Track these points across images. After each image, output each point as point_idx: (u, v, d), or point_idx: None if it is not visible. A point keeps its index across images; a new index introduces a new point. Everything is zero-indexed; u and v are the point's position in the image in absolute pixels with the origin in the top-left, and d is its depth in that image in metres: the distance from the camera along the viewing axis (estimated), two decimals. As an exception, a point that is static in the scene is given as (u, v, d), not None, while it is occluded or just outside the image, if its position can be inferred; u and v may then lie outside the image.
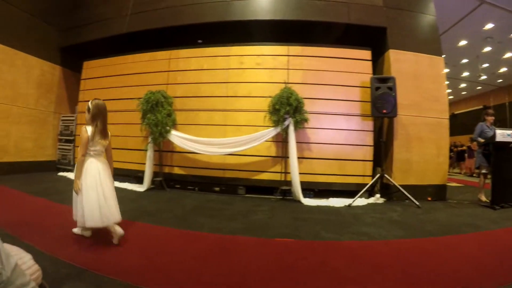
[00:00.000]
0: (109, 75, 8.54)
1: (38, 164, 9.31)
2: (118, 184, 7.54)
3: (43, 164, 9.46)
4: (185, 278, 2.52)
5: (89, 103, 3.48)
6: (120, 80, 8.26)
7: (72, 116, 9.59)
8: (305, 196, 6.22)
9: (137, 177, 7.60)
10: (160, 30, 8.01)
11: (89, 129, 3.41)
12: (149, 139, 6.91)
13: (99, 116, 3.46)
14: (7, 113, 8.41)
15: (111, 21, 8.76)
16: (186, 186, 7.23)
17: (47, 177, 8.39)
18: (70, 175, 8.80)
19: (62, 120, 9.84)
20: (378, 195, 6.25)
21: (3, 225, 3.75)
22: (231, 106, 6.96)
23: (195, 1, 7.72)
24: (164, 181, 7.12)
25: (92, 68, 9.03)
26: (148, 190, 6.98)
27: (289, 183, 6.33)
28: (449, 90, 18.43)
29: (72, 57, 10.04)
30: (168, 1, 8.01)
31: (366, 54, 6.90)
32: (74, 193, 3.40)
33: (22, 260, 1.61)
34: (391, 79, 6.24)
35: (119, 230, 3.29)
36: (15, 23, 8.40)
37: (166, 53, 7.71)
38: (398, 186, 5.92)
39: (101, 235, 3.56)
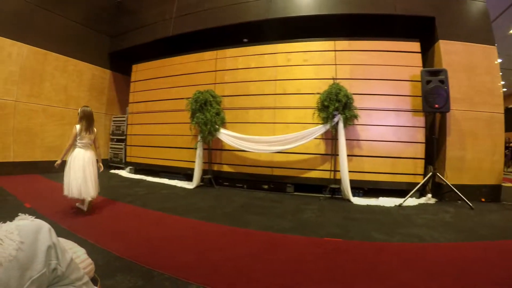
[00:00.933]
0: (157, 77, 8.87)
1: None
2: (167, 181, 7.92)
3: None
4: (235, 275, 2.53)
5: (79, 109, 4.74)
6: (169, 81, 8.54)
7: (123, 117, 10.11)
8: (354, 195, 6.06)
9: (187, 175, 7.83)
10: (205, 31, 8.15)
11: (78, 127, 4.59)
12: (199, 138, 7.08)
13: (83, 118, 4.64)
14: (62, 116, 9.06)
15: (156, 25, 9.09)
16: (234, 184, 7.33)
17: (100, 175, 8.73)
18: (122, 173, 9.34)
19: (114, 120, 10.46)
20: (429, 195, 5.94)
21: (59, 219, 4.01)
22: (279, 103, 6.95)
23: (237, 1, 7.78)
24: (213, 178, 7.26)
25: (141, 70, 9.43)
26: (197, 187, 7.14)
27: (338, 181, 6.19)
28: (502, 82, 17.36)
29: (121, 61, 10.65)
30: (210, 2, 8.12)
31: (415, 46, 6.55)
32: (64, 175, 4.45)
33: (76, 254, 1.68)
34: (443, 71, 5.88)
35: (88, 207, 4.51)
36: (66, 33, 9.05)
37: (212, 53, 7.85)
38: (451, 186, 5.59)
39: (153, 230, 3.79)
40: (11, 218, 1.30)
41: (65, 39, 8.99)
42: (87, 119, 4.66)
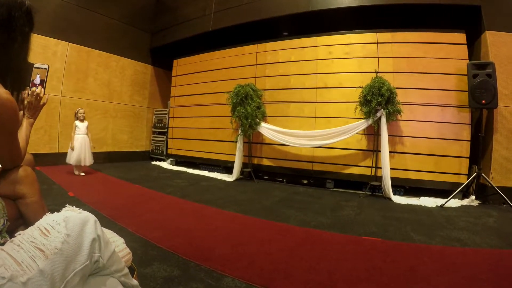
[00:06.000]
0: (198, 71, 9.09)
1: (133, 154, 10.42)
2: (207, 173, 8.13)
3: (138, 154, 10.50)
4: (270, 269, 2.51)
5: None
6: (209, 75, 8.73)
7: (165, 110, 10.47)
8: (395, 193, 5.90)
9: (227, 168, 7.99)
10: (244, 25, 8.18)
11: (77, 122, 6.87)
12: (239, 131, 7.15)
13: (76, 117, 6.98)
14: (105, 109, 9.50)
15: (196, 21, 9.27)
16: (274, 178, 7.37)
17: (142, 166, 9.24)
18: (164, 164, 9.68)
19: (156, 114, 10.86)
20: (473, 197, 5.60)
21: (101, 208, 4.14)
22: (320, 97, 6.87)
23: (277, -6, 7.71)
24: (253, 172, 7.32)
25: (182, 65, 9.72)
26: (237, 180, 7.24)
27: (379, 178, 6.03)
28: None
29: (162, 56, 10.98)
30: (249, -4, 8.12)
31: (460, 37, 6.13)
32: (69, 149, 6.75)
33: (115, 244, 1.69)
34: (490, 64, 5.44)
35: (82, 173, 6.93)
36: (108, 31, 9.45)
37: (252, 47, 7.90)
38: (496, 188, 5.20)
39: (192, 221, 3.95)
40: (57, 205, 1.32)
41: (107, 37, 9.39)
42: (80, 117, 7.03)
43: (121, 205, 4.47)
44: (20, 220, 1.90)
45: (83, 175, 6.80)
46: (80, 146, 6.70)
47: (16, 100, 1.59)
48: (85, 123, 6.98)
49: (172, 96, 9.89)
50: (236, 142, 7.24)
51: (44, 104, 2.11)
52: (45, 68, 2.09)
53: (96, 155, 8.95)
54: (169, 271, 2.38)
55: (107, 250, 1.28)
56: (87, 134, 6.95)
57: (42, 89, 2.03)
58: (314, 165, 6.86)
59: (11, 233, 1.39)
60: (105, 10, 9.22)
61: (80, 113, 6.90)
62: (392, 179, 5.86)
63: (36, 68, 2.06)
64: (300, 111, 7.05)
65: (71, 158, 6.63)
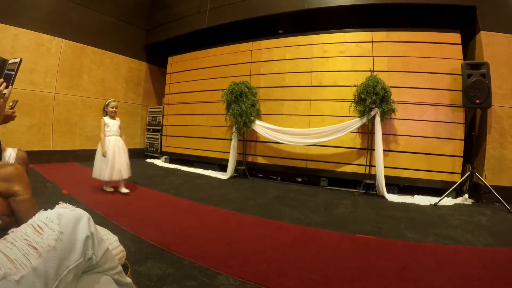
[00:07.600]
0: (193, 69, 9.05)
1: (128, 151, 9.99)
2: (202, 171, 8.11)
3: (132, 151, 10.20)
4: (264, 267, 2.53)
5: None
6: (204, 72, 8.69)
7: (159, 108, 10.42)
8: (389, 192, 5.93)
9: (221, 165, 7.97)
10: (240, 23, 8.15)
11: (106, 119, 5.11)
12: (234, 129, 7.13)
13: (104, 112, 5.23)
14: (99, 107, 9.15)
15: (191, 18, 9.20)
16: (268, 176, 7.37)
17: (136, 164, 9.07)
18: (158, 162, 9.63)
19: (150, 111, 10.80)
20: (466, 195, 5.65)
21: (95, 206, 4.12)
22: (315, 95, 6.88)
23: (272, -8, 7.70)
24: (247, 169, 7.33)
25: (176, 62, 9.67)
26: (231, 178, 7.25)
27: (373, 176, 6.07)
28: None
29: (157, 53, 10.93)
30: (245, -7, 8.10)
31: (455, 37, 6.16)
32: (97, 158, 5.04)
33: (109, 241, 1.70)
34: (484, 65, 5.48)
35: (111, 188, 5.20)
36: (102, 27, 9.36)
37: (247, 44, 7.88)
38: (489, 187, 5.24)
39: (186, 219, 3.95)
40: (50, 203, 1.32)
41: (102, 33, 9.32)
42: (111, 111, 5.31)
43: (115, 203, 4.46)
44: (12, 217, 1.89)
45: (111, 191, 5.16)
46: (113, 153, 4.96)
47: None
48: (118, 120, 5.27)
49: (167, 94, 9.86)
50: (231, 140, 7.24)
51: (6, 99, 1.78)
52: (16, 62, 1.92)
53: (90, 153, 8.89)
54: (163, 269, 2.39)
55: (100, 248, 1.28)
56: (120, 136, 5.27)
57: (4, 83, 1.74)
58: (308, 163, 6.88)
59: (3, 230, 1.39)
60: (100, 7, 9.14)
61: (112, 107, 5.17)
62: (386, 177, 5.90)
63: (10, 63, 1.90)
64: (294, 109, 7.05)
65: (103, 171, 4.91)
